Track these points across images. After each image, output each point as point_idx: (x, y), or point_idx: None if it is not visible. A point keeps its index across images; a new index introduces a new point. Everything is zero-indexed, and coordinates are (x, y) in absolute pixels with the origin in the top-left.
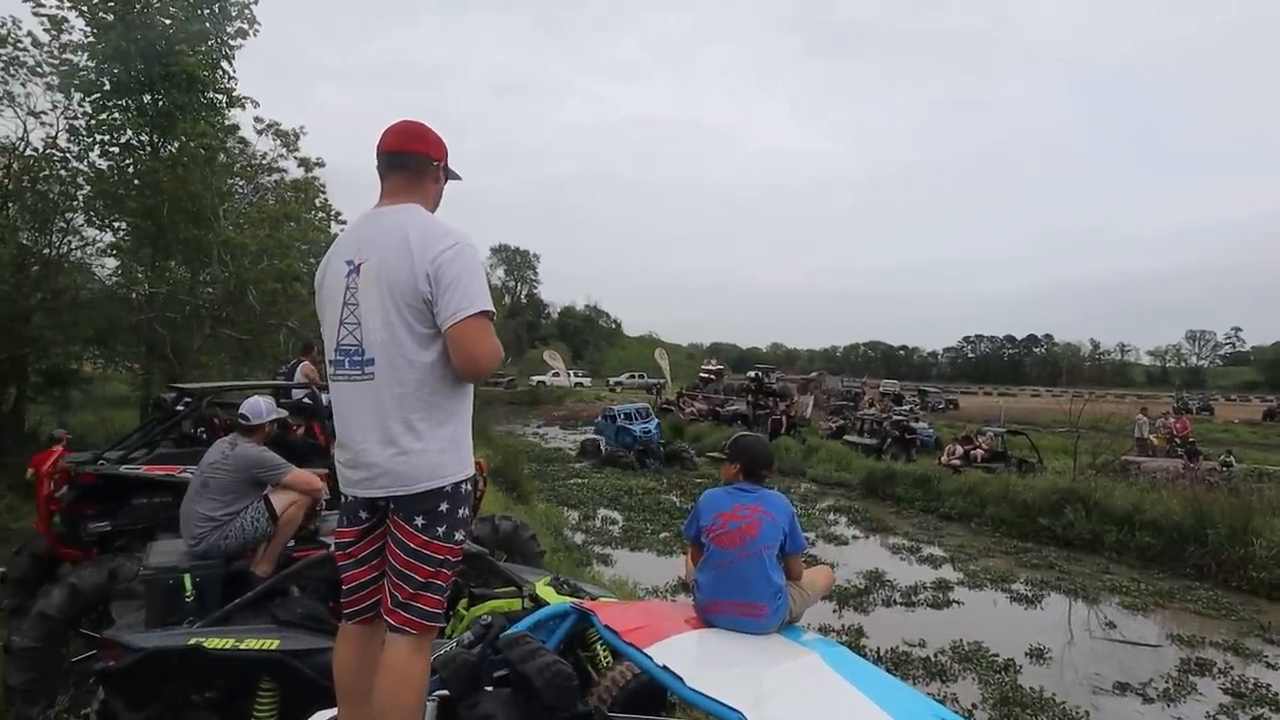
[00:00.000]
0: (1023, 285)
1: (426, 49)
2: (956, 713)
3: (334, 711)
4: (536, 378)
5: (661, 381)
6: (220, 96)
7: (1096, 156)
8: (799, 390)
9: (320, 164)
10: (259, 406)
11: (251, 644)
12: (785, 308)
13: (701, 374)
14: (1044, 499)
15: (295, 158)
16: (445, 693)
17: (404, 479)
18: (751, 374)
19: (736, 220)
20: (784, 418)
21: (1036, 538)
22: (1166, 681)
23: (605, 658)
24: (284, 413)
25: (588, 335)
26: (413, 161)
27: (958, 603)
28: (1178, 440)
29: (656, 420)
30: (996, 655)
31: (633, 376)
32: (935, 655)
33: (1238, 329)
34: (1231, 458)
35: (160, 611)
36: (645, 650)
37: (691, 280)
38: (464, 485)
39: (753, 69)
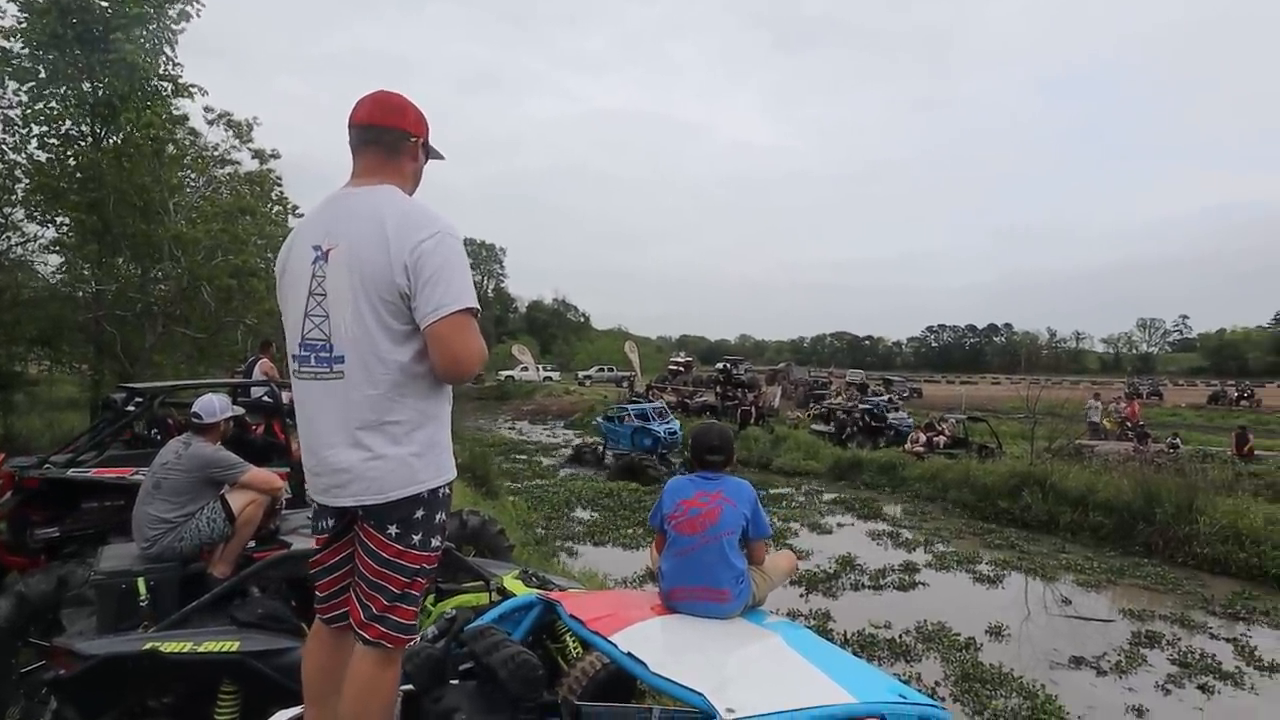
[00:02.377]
0: (984, 278)
1: (389, 40)
2: (918, 690)
3: (294, 711)
4: (505, 372)
5: (631, 374)
6: (165, 84)
7: (1057, 153)
8: (767, 381)
9: (275, 155)
10: (212, 404)
11: (210, 646)
12: (753, 300)
13: (670, 366)
14: (1003, 483)
15: (249, 149)
16: (410, 687)
17: (376, 487)
18: (720, 365)
19: (705, 214)
20: (752, 408)
21: (996, 520)
22: (1119, 654)
23: (575, 649)
24: (239, 410)
25: (556, 329)
26: (388, 137)
27: (923, 584)
28: (1129, 424)
29: (677, 420)
30: (959, 634)
31: (602, 370)
32: (900, 636)
33: (1185, 317)
34: (1178, 440)
35: (113, 617)
36: (610, 638)
37: (660, 273)
38: (442, 490)
39: (721, 64)
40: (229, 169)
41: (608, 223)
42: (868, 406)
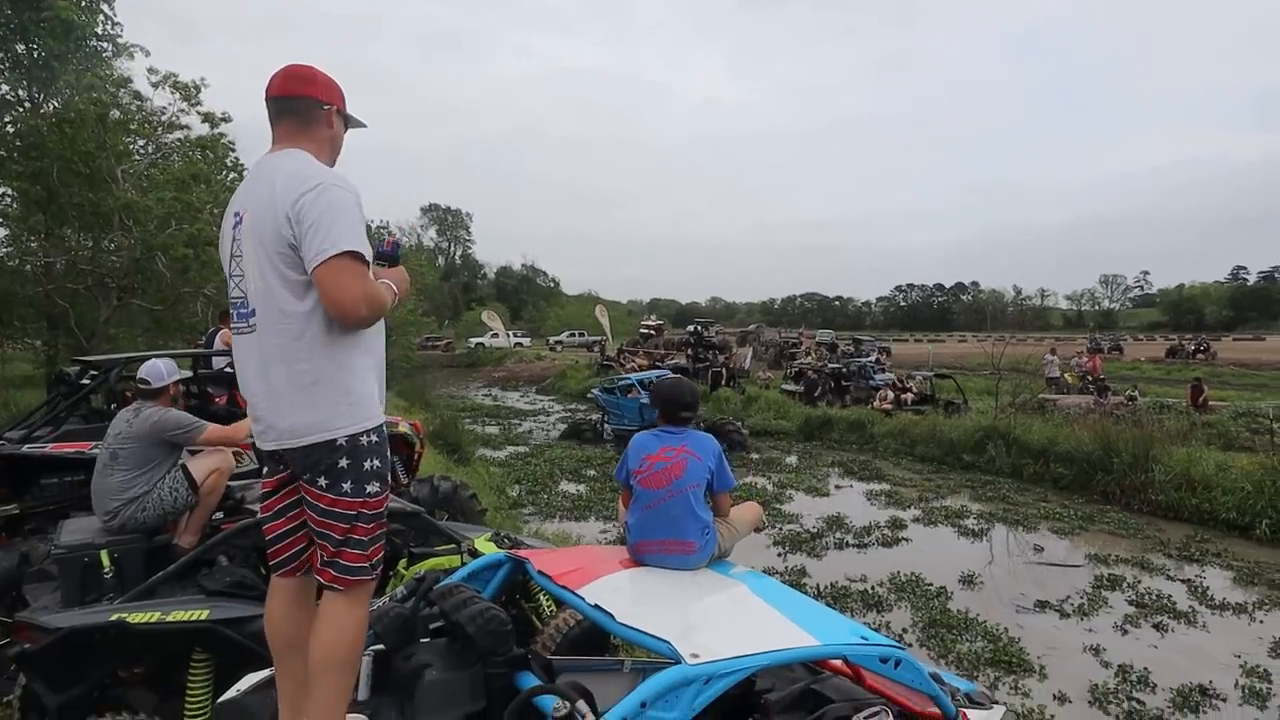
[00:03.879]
0: (952, 236)
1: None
2: (883, 634)
3: (264, 674)
4: (475, 340)
5: (602, 339)
6: (105, 45)
7: (1023, 111)
8: (738, 342)
9: (226, 119)
10: (158, 368)
11: (179, 616)
12: (724, 262)
13: (641, 330)
14: (968, 437)
15: (198, 113)
16: (380, 647)
17: (290, 432)
18: (691, 328)
19: (675, 175)
20: (723, 369)
21: (968, 471)
22: (1081, 597)
23: (549, 607)
24: (187, 373)
25: (526, 295)
26: (299, 106)
27: (907, 540)
28: (1090, 378)
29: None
30: (931, 584)
31: (573, 335)
32: (873, 588)
33: (1146, 273)
34: (1136, 392)
35: (77, 590)
36: (578, 591)
37: (630, 236)
38: (364, 438)
39: (688, 21)
40: (179, 134)
41: (577, 186)
42: (838, 366)
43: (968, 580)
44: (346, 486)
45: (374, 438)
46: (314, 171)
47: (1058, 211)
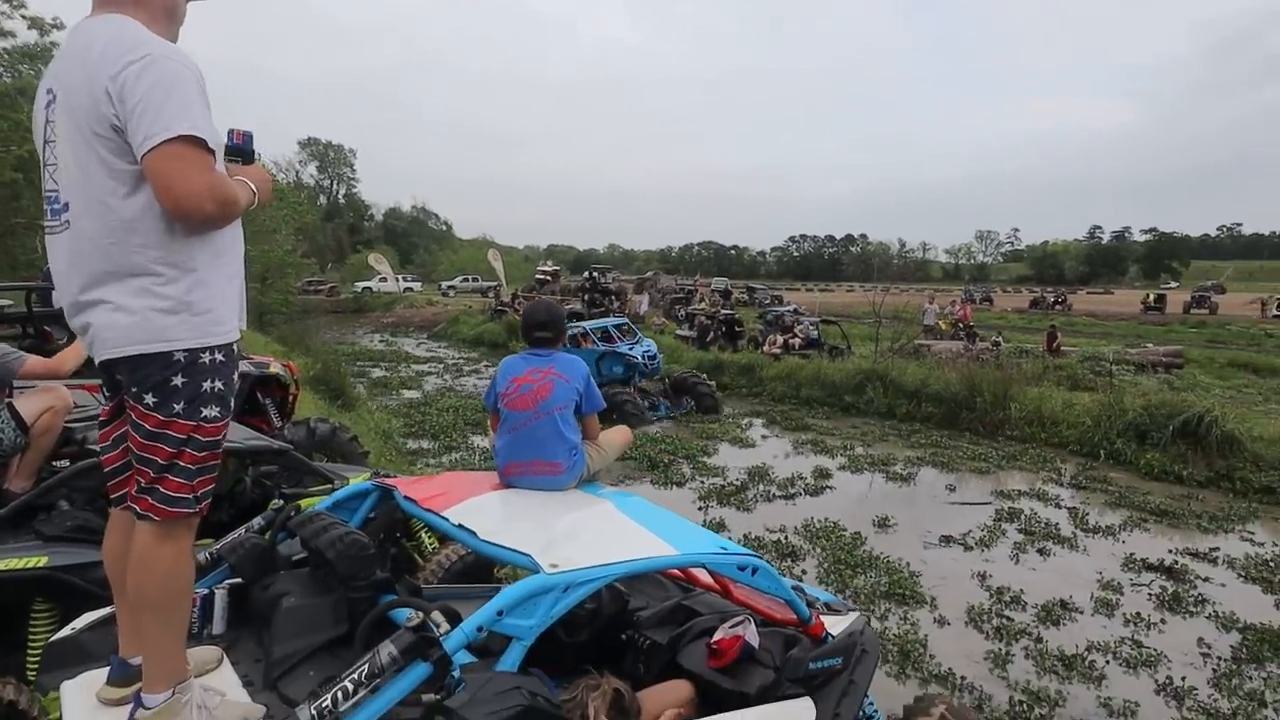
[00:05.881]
0: (845, 189)
1: None
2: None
3: (103, 611)
4: (361, 284)
5: (497, 284)
6: None
7: (913, 71)
8: (634, 289)
9: (58, 25)
10: None
11: (13, 564)
12: (623, 209)
13: (538, 276)
14: (850, 380)
15: (23, 17)
16: (237, 580)
17: (114, 340)
18: (587, 274)
19: (574, 118)
20: (620, 316)
21: (847, 412)
22: (983, 530)
23: (431, 544)
24: (8, 301)
25: (416, 238)
26: None
27: (831, 489)
28: (961, 326)
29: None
30: (846, 529)
31: (466, 279)
32: (788, 537)
33: (1016, 229)
34: (1000, 338)
35: None
36: (443, 513)
37: (528, 180)
38: (206, 355)
39: None
40: (2, 44)
41: (472, 125)
42: (731, 314)
43: (882, 523)
44: (178, 407)
45: (219, 356)
46: (142, 39)
47: (941, 169)
